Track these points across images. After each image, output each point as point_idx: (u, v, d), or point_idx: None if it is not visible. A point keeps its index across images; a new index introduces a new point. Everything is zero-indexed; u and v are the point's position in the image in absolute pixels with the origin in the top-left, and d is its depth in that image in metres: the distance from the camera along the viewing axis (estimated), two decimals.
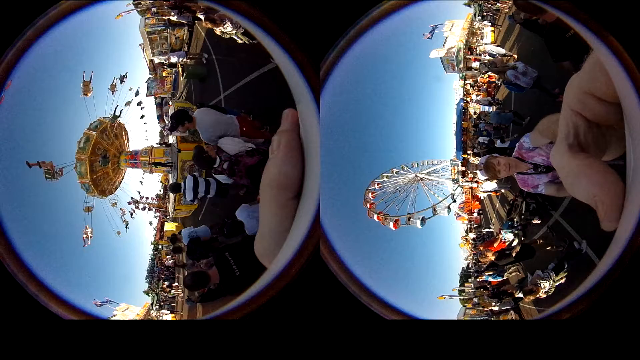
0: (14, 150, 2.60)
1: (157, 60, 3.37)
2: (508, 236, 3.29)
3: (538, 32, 2.94)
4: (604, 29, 1.84)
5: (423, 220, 3.43)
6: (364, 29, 2.01)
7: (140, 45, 3.29)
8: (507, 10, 3.25)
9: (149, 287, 3.20)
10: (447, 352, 2.09)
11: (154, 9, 3.19)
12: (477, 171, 3.42)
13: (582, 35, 1.97)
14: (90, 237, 2.95)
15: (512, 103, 3.47)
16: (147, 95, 3.33)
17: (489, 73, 3.44)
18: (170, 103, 3.39)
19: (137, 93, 3.13)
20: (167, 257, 3.32)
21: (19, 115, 2.63)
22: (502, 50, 3.34)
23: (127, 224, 3.17)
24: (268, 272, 1.93)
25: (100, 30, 2.88)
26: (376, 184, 3.53)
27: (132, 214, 3.16)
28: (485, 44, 3.37)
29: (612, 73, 1.93)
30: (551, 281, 2.83)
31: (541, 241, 3.22)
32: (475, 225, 3.41)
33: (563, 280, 2.85)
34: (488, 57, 3.39)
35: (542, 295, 2.87)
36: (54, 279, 2.03)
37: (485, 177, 3.39)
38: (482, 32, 3.38)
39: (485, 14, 3.33)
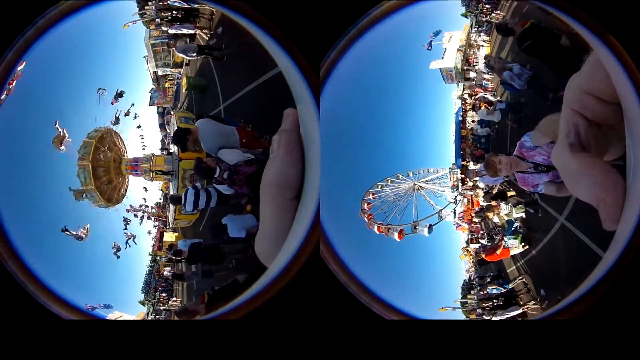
0: (14, 152, 2.60)
1: (160, 72, 3.41)
2: (511, 242, 3.29)
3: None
4: (604, 29, 1.84)
5: (430, 228, 3.39)
6: (364, 29, 2.01)
7: (144, 57, 3.32)
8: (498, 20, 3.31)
9: (145, 298, 3.18)
10: (447, 352, 2.09)
11: (157, 20, 3.20)
12: (477, 178, 3.43)
13: (582, 35, 1.97)
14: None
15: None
16: (149, 105, 3.36)
17: (484, 84, 3.48)
18: (172, 113, 3.41)
19: (121, 95, 3.13)
20: (166, 268, 3.30)
21: (20, 115, 2.63)
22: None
23: (133, 238, 3.17)
24: (268, 272, 1.93)
25: (102, 38, 2.89)
26: (371, 194, 3.50)
27: (126, 225, 3.14)
28: (479, 61, 3.44)
29: (612, 73, 1.93)
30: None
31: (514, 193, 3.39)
32: (476, 236, 3.41)
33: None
34: (483, 68, 3.44)
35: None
36: (54, 279, 2.04)
37: (486, 184, 3.42)
38: (479, 44, 3.43)
39: (479, 27, 3.38)
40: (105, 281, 2.95)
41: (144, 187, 3.32)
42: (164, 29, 3.24)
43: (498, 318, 3.14)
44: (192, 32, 3.34)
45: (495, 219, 3.37)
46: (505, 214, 3.35)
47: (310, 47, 1.89)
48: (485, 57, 3.44)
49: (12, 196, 2.36)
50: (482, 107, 3.48)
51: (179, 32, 3.31)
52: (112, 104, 3.10)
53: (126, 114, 3.20)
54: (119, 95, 3.12)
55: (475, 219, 3.45)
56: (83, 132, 3.11)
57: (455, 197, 3.49)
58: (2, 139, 2.47)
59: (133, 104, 3.20)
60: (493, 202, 3.41)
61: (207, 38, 3.36)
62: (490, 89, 3.51)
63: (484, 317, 3.13)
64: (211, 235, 3.23)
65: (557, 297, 2.53)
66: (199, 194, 3.22)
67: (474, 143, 3.56)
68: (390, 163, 3.56)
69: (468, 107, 3.54)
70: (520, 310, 3.11)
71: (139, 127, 3.29)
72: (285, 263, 1.78)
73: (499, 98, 3.44)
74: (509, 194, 3.35)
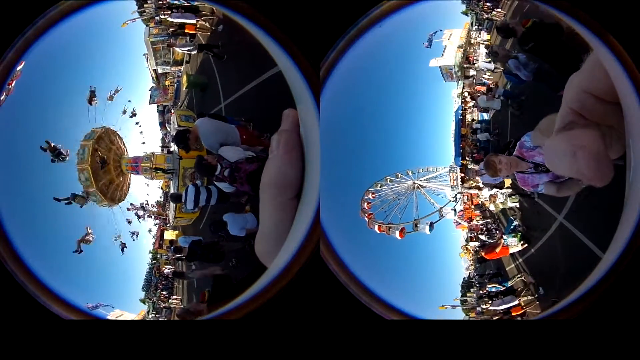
0: (14, 152, 2.60)
1: (160, 70, 3.40)
2: (510, 240, 3.29)
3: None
4: (604, 29, 1.84)
5: (431, 226, 3.39)
6: (364, 29, 2.01)
7: (144, 55, 3.32)
8: (500, 18, 3.30)
9: (145, 296, 3.19)
10: (447, 352, 2.09)
11: (157, 18, 3.20)
12: (478, 177, 3.43)
13: (582, 35, 1.97)
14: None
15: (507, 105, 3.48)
16: (150, 103, 3.37)
17: (485, 82, 3.48)
18: (172, 111, 3.41)
19: (133, 114, 3.17)
20: (167, 266, 3.30)
21: (20, 115, 2.63)
22: (492, 66, 3.40)
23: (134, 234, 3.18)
24: (268, 272, 1.93)
25: (101, 37, 2.89)
26: (370, 194, 3.49)
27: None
28: (479, 59, 3.43)
29: (612, 73, 1.93)
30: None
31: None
32: (476, 234, 3.42)
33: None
34: (482, 66, 3.44)
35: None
36: (54, 279, 2.04)
37: (485, 183, 3.42)
38: (479, 42, 3.42)
39: (479, 25, 3.37)
40: (106, 279, 2.96)
41: (146, 184, 3.33)
42: (163, 16, 3.23)
43: (495, 308, 3.15)
44: (193, 21, 3.33)
45: (491, 207, 3.39)
46: (501, 202, 3.39)
47: (310, 47, 1.89)
48: (487, 46, 3.43)
49: (12, 196, 2.36)
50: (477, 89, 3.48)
51: (180, 20, 3.30)
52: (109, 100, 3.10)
53: (126, 113, 3.20)
54: (116, 91, 3.12)
55: (476, 213, 3.46)
56: (82, 132, 3.12)
57: (455, 195, 3.49)
58: (2, 139, 2.47)
59: (130, 101, 3.20)
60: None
61: (208, 33, 3.35)
62: (490, 85, 3.50)
63: (481, 306, 3.15)
64: (210, 232, 3.23)
65: (555, 297, 2.55)
66: (199, 191, 3.22)
67: (474, 142, 3.56)
68: (390, 162, 3.55)
69: (468, 104, 3.54)
70: (517, 302, 3.12)
71: (133, 118, 3.27)
72: (285, 263, 1.78)
73: (499, 84, 3.43)
74: (506, 182, 3.38)
